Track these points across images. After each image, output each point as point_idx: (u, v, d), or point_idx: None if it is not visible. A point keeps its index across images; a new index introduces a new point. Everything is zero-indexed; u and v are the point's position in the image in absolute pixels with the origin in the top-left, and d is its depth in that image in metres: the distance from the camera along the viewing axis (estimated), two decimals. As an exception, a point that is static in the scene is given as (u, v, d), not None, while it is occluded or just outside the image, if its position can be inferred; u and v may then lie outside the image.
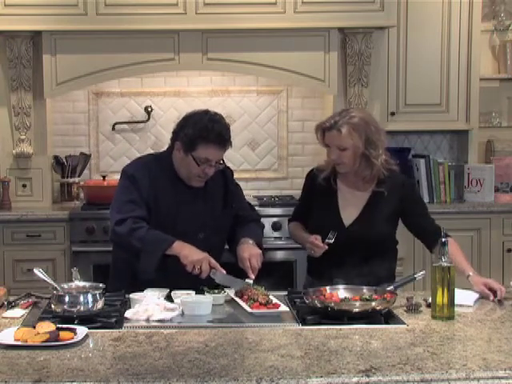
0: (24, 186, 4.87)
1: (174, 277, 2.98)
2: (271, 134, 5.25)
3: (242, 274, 3.02)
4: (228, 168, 3.36)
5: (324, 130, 3.11)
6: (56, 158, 5.01)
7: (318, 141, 3.18)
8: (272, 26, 4.66)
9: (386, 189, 3.13)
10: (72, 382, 2.03)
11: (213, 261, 2.95)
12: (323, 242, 3.05)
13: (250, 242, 3.14)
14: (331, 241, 3.04)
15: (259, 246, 3.17)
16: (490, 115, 5.31)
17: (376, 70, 4.88)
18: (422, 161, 5.12)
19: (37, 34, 4.68)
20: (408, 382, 2.05)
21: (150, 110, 5.14)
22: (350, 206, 3.16)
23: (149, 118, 5.15)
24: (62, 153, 5.04)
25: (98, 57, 4.67)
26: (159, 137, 5.17)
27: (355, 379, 2.04)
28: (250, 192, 5.07)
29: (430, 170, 5.09)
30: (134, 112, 5.18)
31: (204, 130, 3.04)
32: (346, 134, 3.03)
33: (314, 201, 3.24)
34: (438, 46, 5.03)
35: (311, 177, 3.29)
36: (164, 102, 5.17)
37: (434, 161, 5.14)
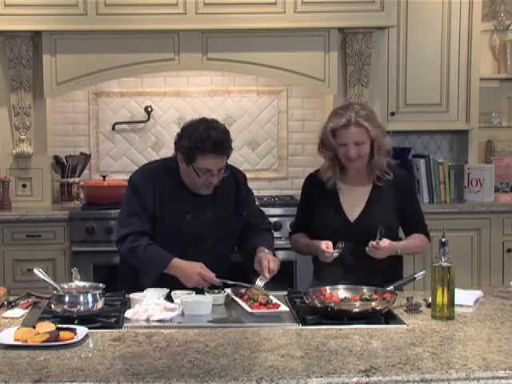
0: (24, 185, 4.87)
1: (174, 277, 2.99)
2: (271, 134, 5.25)
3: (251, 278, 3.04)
4: (240, 172, 3.34)
5: (336, 130, 3.10)
6: (56, 158, 5.01)
7: (324, 143, 3.16)
8: (272, 25, 4.66)
9: (387, 182, 3.16)
10: (72, 382, 2.03)
11: (207, 276, 2.94)
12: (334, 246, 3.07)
13: (267, 251, 3.13)
14: (338, 253, 3.03)
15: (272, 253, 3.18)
16: (490, 115, 5.30)
17: (376, 69, 4.88)
18: (422, 161, 5.12)
19: (37, 34, 4.68)
20: (408, 381, 2.05)
21: (150, 110, 5.14)
22: (353, 202, 3.18)
23: (149, 118, 5.15)
24: (62, 153, 5.04)
25: (98, 57, 4.67)
26: (159, 137, 5.17)
27: (355, 379, 2.04)
28: (251, 191, 5.08)
29: (430, 170, 5.08)
30: (134, 112, 5.18)
31: (200, 140, 2.99)
32: (368, 127, 3.07)
33: (316, 203, 3.24)
34: (438, 46, 5.02)
35: (311, 181, 3.30)
36: (164, 102, 5.17)
37: (434, 161, 5.13)
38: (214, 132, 3.02)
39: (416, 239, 3.23)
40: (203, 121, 3.10)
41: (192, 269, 2.96)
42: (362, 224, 3.13)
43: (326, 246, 3.05)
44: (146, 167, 3.29)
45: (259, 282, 2.97)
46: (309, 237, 3.25)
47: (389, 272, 3.09)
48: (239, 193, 3.27)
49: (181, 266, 2.99)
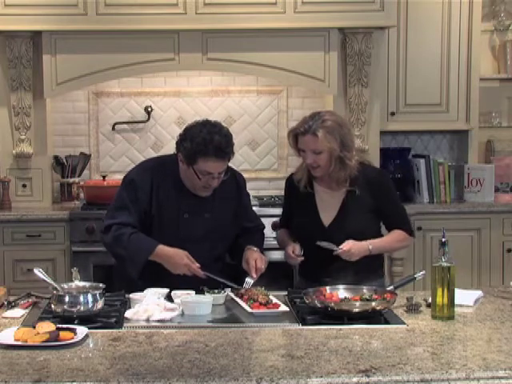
0: (24, 186, 4.87)
1: (173, 276, 2.99)
2: (271, 134, 5.25)
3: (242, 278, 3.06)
4: (240, 175, 3.35)
5: (297, 135, 3.11)
6: (56, 157, 5.01)
7: (291, 146, 3.19)
8: (272, 26, 4.66)
9: (359, 186, 3.15)
10: (72, 382, 2.03)
11: (193, 267, 2.99)
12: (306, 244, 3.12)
13: (255, 249, 3.17)
14: (301, 257, 3.10)
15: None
16: (490, 115, 5.30)
17: (376, 70, 4.88)
18: (422, 161, 5.12)
19: (37, 34, 4.68)
20: (408, 381, 2.05)
21: (149, 110, 5.14)
22: (328, 207, 3.18)
23: (149, 118, 5.15)
24: (62, 153, 5.04)
25: (98, 57, 4.67)
26: (159, 137, 5.17)
27: (355, 379, 2.04)
28: (250, 192, 5.04)
29: (430, 169, 5.08)
30: (134, 112, 5.17)
31: (202, 143, 2.99)
32: (322, 138, 3.04)
33: (294, 205, 3.27)
34: (438, 46, 5.03)
35: (289, 182, 3.31)
36: (164, 102, 5.17)
37: (434, 161, 5.14)
38: (217, 136, 3.01)
39: (391, 236, 3.22)
40: (206, 124, 3.08)
41: (179, 260, 2.99)
42: (335, 229, 3.13)
43: (292, 250, 3.11)
44: (144, 165, 3.28)
45: (249, 280, 3.02)
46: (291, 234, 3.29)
47: (367, 271, 3.08)
48: (241, 196, 3.28)
49: (167, 254, 3.02)
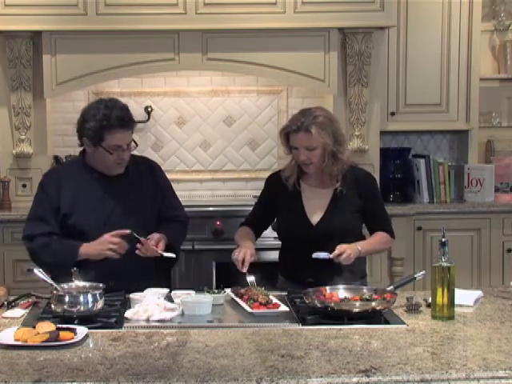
0: (24, 186, 4.86)
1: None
2: (271, 134, 5.24)
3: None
4: (154, 161, 3.45)
5: (289, 134, 3.12)
6: (56, 158, 5.01)
7: (282, 144, 3.20)
8: (272, 26, 4.66)
9: (347, 185, 3.16)
10: (72, 382, 2.03)
11: (116, 242, 3.00)
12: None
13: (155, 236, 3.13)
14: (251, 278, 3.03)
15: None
16: (490, 115, 5.30)
17: (376, 70, 4.87)
18: (422, 161, 5.12)
19: (37, 34, 4.67)
20: (408, 381, 2.05)
21: (149, 110, 5.13)
22: (315, 205, 3.18)
23: (149, 118, 5.14)
24: (62, 153, 5.03)
25: (98, 57, 4.67)
26: (159, 137, 5.17)
27: (355, 379, 2.04)
28: (250, 192, 5.06)
29: (430, 169, 5.08)
30: (134, 112, 5.08)
31: (104, 119, 3.10)
32: (315, 134, 3.05)
33: (280, 204, 3.25)
34: (437, 46, 5.03)
35: (273, 181, 3.31)
36: (164, 102, 5.16)
37: (434, 161, 5.14)
38: (115, 109, 3.14)
39: (376, 238, 3.21)
40: (101, 101, 3.22)
41: (102, 245, 3.00)
42: (323, 227, 3.13)
43: (243, 255, 3.03)
44: (55, 166, 3.36)
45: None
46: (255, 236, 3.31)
47: (349, 270, 3.06)
48: (155, 178, 3.30)
49: (90, 250, 3.02)
